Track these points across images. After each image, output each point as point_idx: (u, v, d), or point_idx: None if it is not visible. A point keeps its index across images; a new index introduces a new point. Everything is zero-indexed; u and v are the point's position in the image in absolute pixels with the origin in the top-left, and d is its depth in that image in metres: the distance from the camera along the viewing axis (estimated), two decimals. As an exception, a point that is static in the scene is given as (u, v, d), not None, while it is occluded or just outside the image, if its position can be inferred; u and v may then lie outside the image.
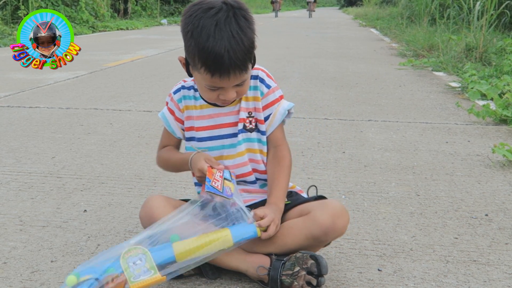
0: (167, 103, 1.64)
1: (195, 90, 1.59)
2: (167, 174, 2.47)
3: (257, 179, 1.61)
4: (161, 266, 1.34)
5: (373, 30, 14.69)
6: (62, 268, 1.60)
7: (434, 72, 6.07)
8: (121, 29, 14.19)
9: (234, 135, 1.57)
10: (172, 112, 1.62)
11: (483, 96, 4.35)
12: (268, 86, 1.58)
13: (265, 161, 1.60)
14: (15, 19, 11.78)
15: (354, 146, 2.99)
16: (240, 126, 1.56)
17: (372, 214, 2.04)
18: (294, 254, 1.45)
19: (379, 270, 1.62)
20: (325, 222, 1.44)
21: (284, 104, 1.59)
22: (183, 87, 1.61)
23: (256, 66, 1.56)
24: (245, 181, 1.61)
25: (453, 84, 5.11)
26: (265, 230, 1.43)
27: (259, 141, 1.59)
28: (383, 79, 5.57)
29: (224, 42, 1.35)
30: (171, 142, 1.66)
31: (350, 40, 11.05)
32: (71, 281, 1.27)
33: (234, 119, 1.57)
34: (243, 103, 1.56)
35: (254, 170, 1.60)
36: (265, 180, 1.61)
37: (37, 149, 2.86)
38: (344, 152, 2.85)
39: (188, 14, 1.41)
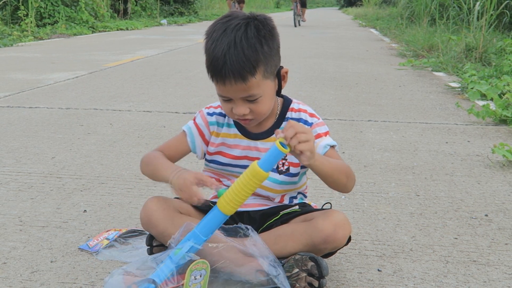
0: (194, 118, 1.61)
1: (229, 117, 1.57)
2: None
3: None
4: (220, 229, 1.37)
5: (373, 30, 14.67)
6: (62, 268, 1.60)
7: (434, 72, 6.07)
8: (121, 29, 14.17)
9: None
10: (199, 129, 1.59)
11: (483, 96, 4.35)
12: (310, 125, 1.57)
13: (285, 198, 1.61)
14: (15, 19, 11.77)
15: (354, 146, 2.99)
16: None
17: (372, 214, 2.04)
18: (293, 256, 1.45)
19: (379, 270, 1.62)
20: (326, 229, 1.43)
21: (326, 140, 1.54)
22: (215, 113, 1.59)
23: (300, 106, 1.58)
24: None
25: (453, 84, 5.11)
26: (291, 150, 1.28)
27: (284, 183, 1.57)
28: (383, 79, 5.57)
29: (223, 47, 1.35)
30: (176, 152, 1.60)
31: (350, 40, 11.05)
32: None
33: None
34: None
35: (262, 205, 1.60)
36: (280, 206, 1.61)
37: (37, 149, 2.86)
38: (344, 152, 2.85)
39: (214, 21, 1.43)
